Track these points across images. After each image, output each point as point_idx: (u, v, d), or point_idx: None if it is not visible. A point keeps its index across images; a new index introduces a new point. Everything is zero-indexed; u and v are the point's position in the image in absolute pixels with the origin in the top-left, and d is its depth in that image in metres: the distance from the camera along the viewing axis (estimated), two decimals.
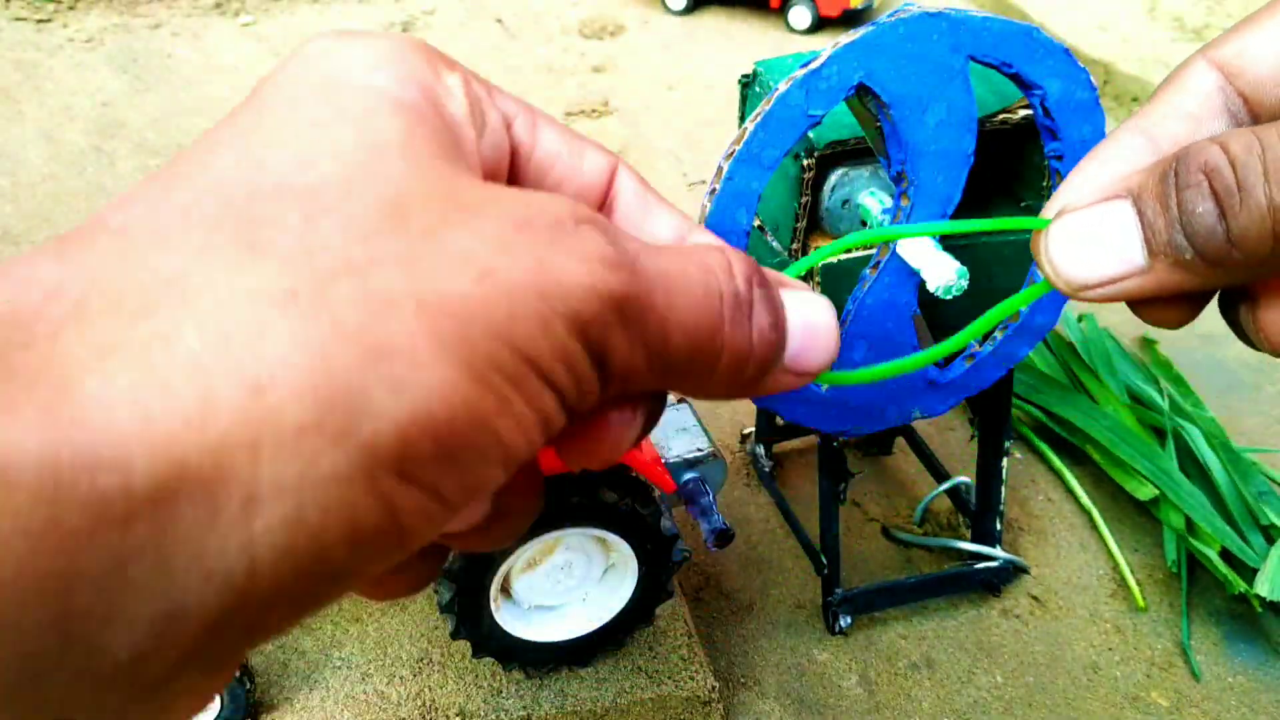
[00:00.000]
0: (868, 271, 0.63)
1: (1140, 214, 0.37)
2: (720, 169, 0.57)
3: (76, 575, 0.19)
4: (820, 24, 2.48)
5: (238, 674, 0.78)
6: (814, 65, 0.55)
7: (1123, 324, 1.42)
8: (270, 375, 0.20)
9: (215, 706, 0.79)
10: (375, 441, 0.21)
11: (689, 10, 2.57)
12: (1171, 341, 1.37)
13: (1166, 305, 0.39)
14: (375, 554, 0.23)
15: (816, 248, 0.78)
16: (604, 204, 0.37)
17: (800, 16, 2.49)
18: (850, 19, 2.46)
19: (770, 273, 0.35)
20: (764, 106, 0.56)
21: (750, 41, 2.46)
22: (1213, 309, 0.42)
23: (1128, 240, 0.37)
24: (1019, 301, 0.43)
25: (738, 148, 0.56)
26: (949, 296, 0.57)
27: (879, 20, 0.55)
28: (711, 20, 2.56)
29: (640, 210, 0.37)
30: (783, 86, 0.56)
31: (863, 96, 0.57)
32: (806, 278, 0.79)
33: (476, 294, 0.23)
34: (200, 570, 0.20)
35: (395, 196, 0.24)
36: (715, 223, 0.58)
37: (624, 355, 0.27)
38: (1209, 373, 1.33)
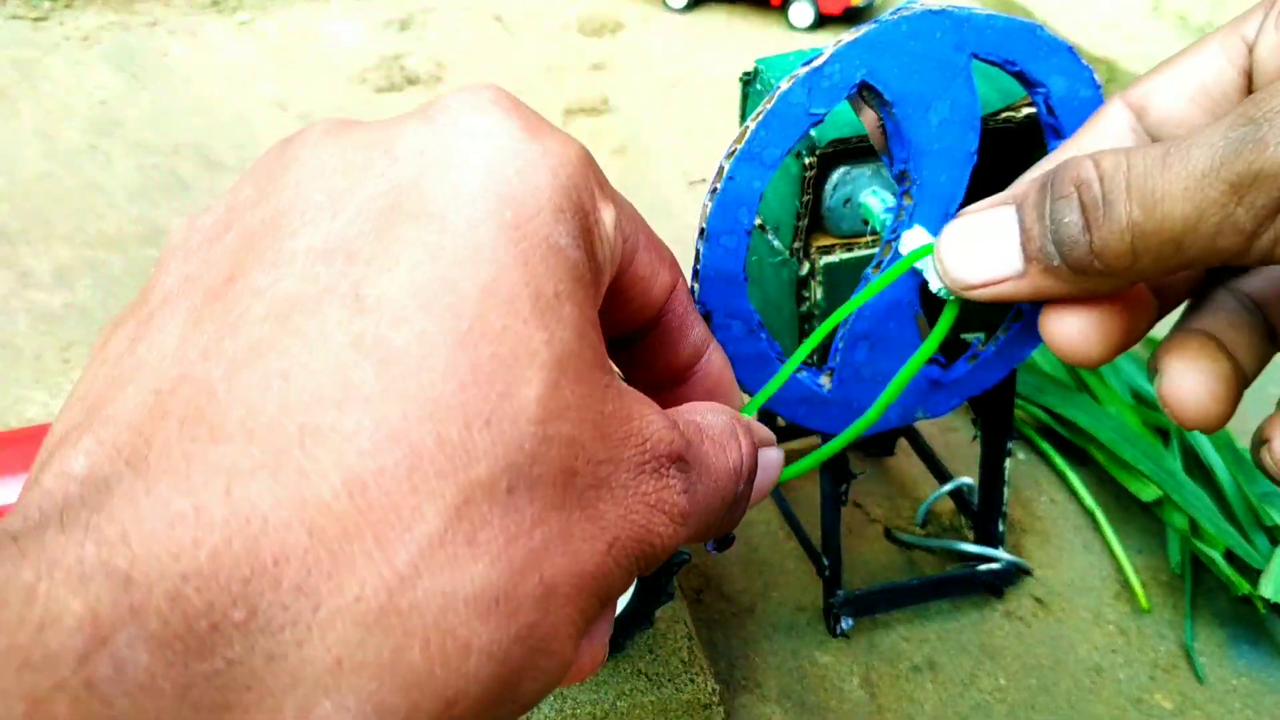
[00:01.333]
0: (870, 271, 0.63)
1: (1021, 221, 0.39)
2: (721, 169, 0.57)
3: None
4: (822, 21, 2.47)
5: None
6: (816, 63, 0.55)
7: None
8: (463, 693, 0.23)
9: None
10: (502, 716, 0.25)
11: (689, 8, 2.56)
12: None
13: (1065, 325, 0.41)
14: None
15: (818, 246, 0.77)
16: (657, 318, 0.41)
17: (801, 14, 2.48)
18: (852, 16, 2.46)
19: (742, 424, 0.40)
20: (765, 105, 0.55)
21: (751, 39, 2.45)
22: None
23: (1008, 244, 0.40)
24: (929, 347, 0.48)
25: (739, 147, 0.56)
26: (950, 297, 0.57)
27: (882, 18, 0.55)
28: (712, 18, 2.55)
29: (679, 328, 0.41)
30: (784, 85, 0.55)
31: (865, 94, 0.57)
32: (809, 276, 0.78)
33: (604, 563, 0.26)
34: None
35: (568, 453, 0.26)
36: (716, 223, 0.57)
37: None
38: None
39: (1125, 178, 0.35)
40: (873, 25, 0.54)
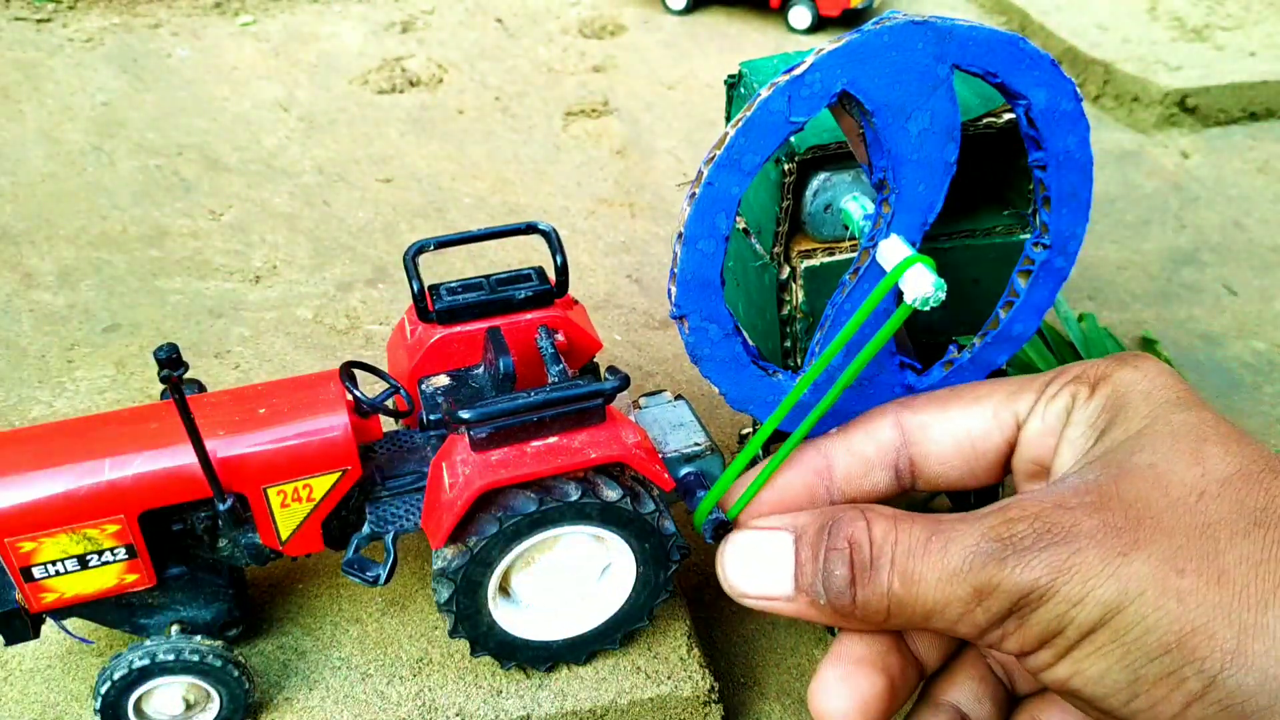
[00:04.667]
0: (847, 277, 0.63)
1: (797, 553, 0.46)
2: (700, 173, 0.57)
3: None
4: (820, 23, 2.48)
5: (237, 674, 0.78)
6: (797, 72, 0.55)
7: (1123, 323, 1.42)
8: None
9: (215, 706, 0.79)
10: None
11: (689, 10, 2.57)
12: (1172, 341, 1.37)
13: (832, 705, 0.47)
14: None
15: (799, 251, 0.78)
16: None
17: (800, 16, 2.49)
18: (850, 18, 2.46)
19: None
20: (745, 112, 0.56)
21: (750, 41, 2.46)
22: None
23: (782, 571, 0.46)
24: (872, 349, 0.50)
25: (718, 153, 0.56)
26: (926, 308, 0.57)
27: (864, 28, 0.55)
28: (711, 20, 2.56)
29: None
30: (765, 93, 0.55)
31: (846, 103, 0.57)
32: (789, 280, 0.79)
33: None
34: None
35: None
36: (694, 227, 0.58)
37: None
38: (1210, 373, 1.33)
39: (891, 551, 0.43)
40: (854, 35, 0.55)
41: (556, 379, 0.81)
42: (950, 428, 0.49)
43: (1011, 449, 0.48)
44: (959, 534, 0.41)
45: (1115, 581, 0.37)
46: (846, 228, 0.76)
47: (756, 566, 0.47)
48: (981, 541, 0.40)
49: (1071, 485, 0.42)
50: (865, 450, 0.50)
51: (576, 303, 0.92)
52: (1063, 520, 0.39)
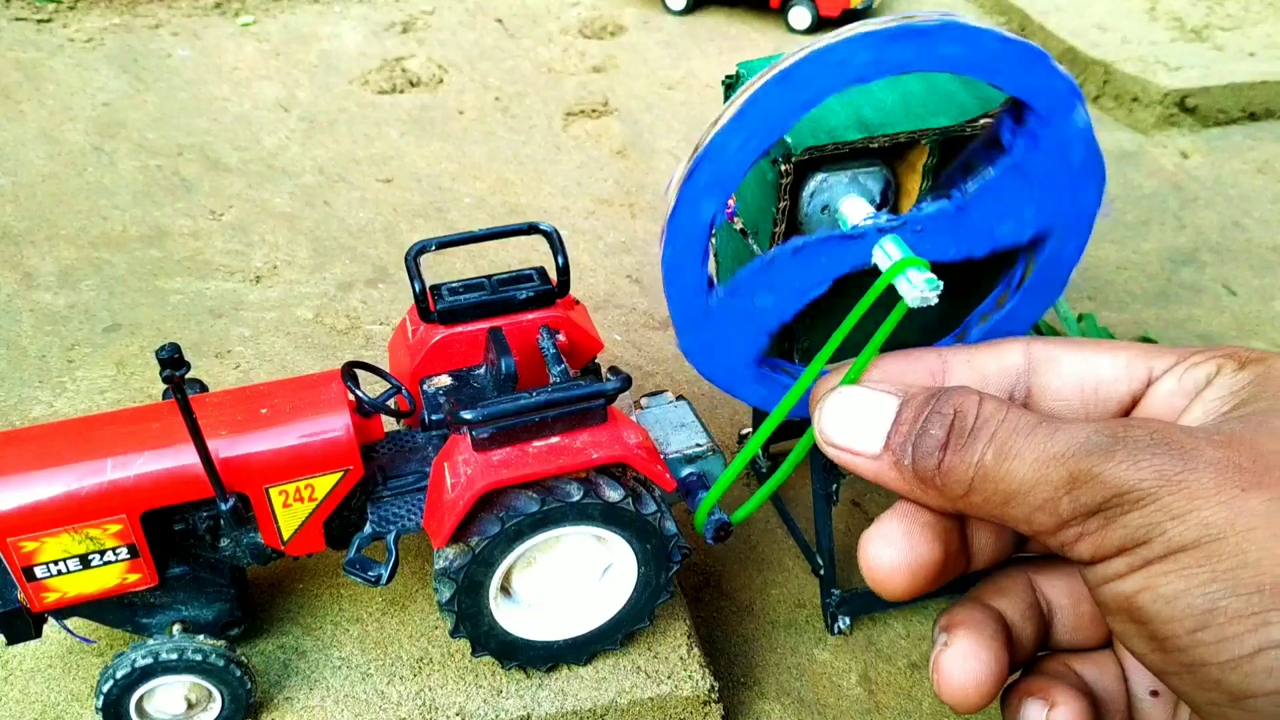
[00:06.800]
0: (815, 237, 0.64)
1: (898, 413, 0.45)
2: (750, 85, 0.58)
3: None
4: (820, 24, 2.49)
5: (239, 674, 0.78)
6: (916, 21, 0.56)
7: (1123, 324, 1.42)
8: None
9: (217, 706, 0.80)
10: None
11: (689, 10, 2.57)
12: (1172, 341, 1.37)
13: (881, 556, 0.45)
14: None
15: None
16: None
17: (800, 16, 2.49)
18: (850, 19, 2.47)
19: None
20: (833, 37, 0.56)
21: (750, 41, 2.46)
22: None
23: (877, 429, 0.46)
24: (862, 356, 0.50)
25: (790, 63, 0.57)
26: (920, 306, 0.57)
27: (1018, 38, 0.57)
28: (711, 20, 2.56)
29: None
30: (856, 30, 0.56)
31: (1014, 107, 0.59)
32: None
33: None
34: None
35: None
36: (730, 129, 0.58)
37: None
38: None
39: (996, 426, 0.41)
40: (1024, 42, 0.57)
41: (558, 379, 0.81)
42: (1079, 367, 0.47)
43: (1134, 404, 0.46)
44: (1073, 426, 0.40)
45: (1225, 510, 0.35)
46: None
47: (854, 420, 0.46)
48: (1094, 434, 0.39)
49: (1201, 426, 0.40)
50: (986, 366, 0.49)
51: (578, 303, 0.92)
52: (1185, 440, 0.38)
